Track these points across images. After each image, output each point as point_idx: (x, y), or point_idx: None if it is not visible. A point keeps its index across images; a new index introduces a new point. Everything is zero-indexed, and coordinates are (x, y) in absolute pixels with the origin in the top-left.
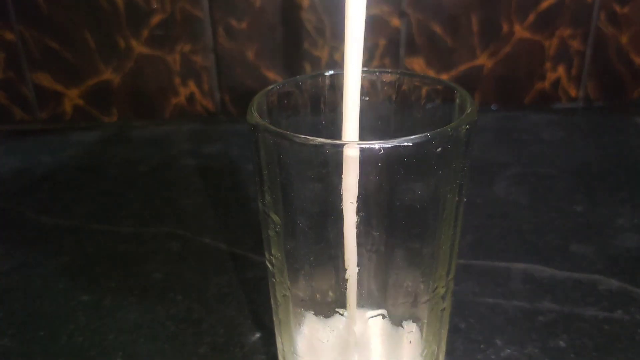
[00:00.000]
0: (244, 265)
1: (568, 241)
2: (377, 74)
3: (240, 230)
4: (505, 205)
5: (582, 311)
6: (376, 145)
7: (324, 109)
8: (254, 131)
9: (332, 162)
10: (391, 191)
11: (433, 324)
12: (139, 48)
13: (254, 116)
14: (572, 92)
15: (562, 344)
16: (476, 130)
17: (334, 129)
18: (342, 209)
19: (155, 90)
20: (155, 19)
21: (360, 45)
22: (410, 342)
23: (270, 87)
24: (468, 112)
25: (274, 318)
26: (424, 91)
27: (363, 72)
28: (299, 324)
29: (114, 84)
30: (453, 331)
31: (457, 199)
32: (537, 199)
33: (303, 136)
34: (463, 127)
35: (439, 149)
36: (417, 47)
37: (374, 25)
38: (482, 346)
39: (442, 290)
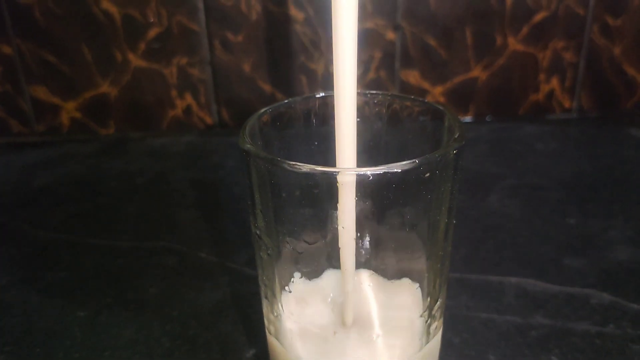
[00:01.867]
0: (240, 279)
1: (561, 254)
2: (368, 95)
3: (237, 244)
4: (499, 217)
5: (574, 326)
6: (365, 172)
7: (316, 130)
8: (246, 156)
9: (323, 188)
10: (381, 215)
11: (426, 341)
12: (136, 61)
13: (246, 141)
14: (566, 103)
15: (554, 358)
16: (469, 144)
17: (327, 150)
18: (334, 232)
19: (152, 102)
20: (152, 32)
21: (353, 72)
22: None
23: (263, 110)
24: (456, 136)
25: (267, 336)
26: (413, 113)
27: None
28: (292, 344)
29: (111, 97)
30: (447, 346)
31: (446, 221)
32: (531, 211)
33: (294, 163)
34: (451, 152)
35: (427, 174)
36: (412, 59)
37: (369, 38)
38: None
39: (435, 309)
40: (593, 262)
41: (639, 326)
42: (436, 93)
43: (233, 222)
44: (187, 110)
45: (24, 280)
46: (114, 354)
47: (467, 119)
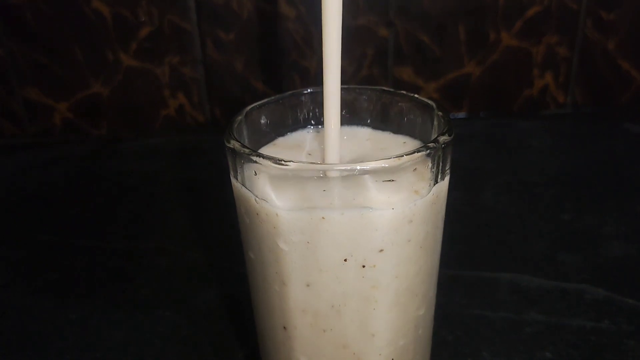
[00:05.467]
0: (232, 280)
1: (555, 250)
2: (357, 90)
3: (229, 244)
4: (492, 213)
5: (569, 321)
6: (352, 167)
7: (304, 126)
8: (232, 154)
9: (309, 183)
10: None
11: (434, 182)
12: (128, 61)
13: (232, 139)
14: (560, 99)
15: (548, 355)
16: (463, 140)
17: (313, 143)
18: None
19: (144, 102)
20: (144, 32)
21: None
22: None
23: (249, 106)
24: (444, 130)
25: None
26: (403, 107)
27: (349, 88)
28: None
29: (103, 97)
30: (440, 343)
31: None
32: (525, 207)
33: (279, 158)
34: (439, 146)
35: (415, 169)
36: (405, 56)
37: (361, 35)
38: (469, 359)
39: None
40: (587, 258)
41: (634, 322)
42: (430, 89)
43: (225, 222)
44: (180, 109)
45: (15, 282)
46: (105, 355)
47: (461, 115)
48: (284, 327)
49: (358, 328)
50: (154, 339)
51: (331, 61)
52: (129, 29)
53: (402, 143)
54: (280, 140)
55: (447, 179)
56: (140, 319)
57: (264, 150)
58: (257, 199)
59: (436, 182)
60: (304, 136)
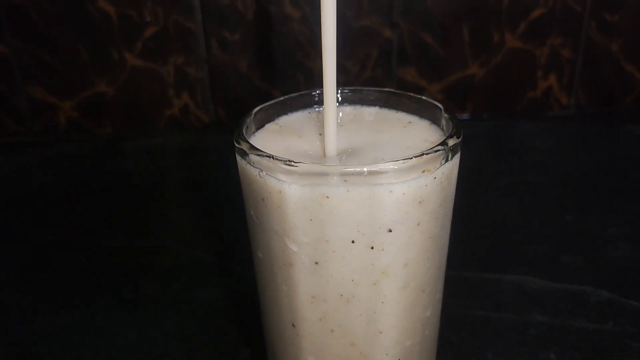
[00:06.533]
0: (236, 279)
1: (558, 251)
2: (365, 92)
3: (233, 244)
4: (496, 215)
5: (573, 323)
6: (360, 169)
7: (311, 126)
8: (242, 154)
9: (316, 180)
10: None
11: (445, 160)
12: (133, 60)
13: (241, 140)
14: (564, 100)
15: (552, 356)
16: (467, 141)
17: (319, 144)
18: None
19: (149, 102)
20: (149, 32)
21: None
22: None
23: (258, 107)
24: (453, 132)
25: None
26: (409, 110)
27: (355, 90)
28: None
29: (107, 96)
30: (444, 345)
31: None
32: (528, 208)
33: (289, 159)
34: (447, 148)
35: (423, 171)
36: (409, 57)
37: (365, 36)
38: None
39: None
40: (591, 259)
41: (637, 324)
42: (433, 91)
43: (229, 221)
44: (184, 109)
45: (19, 281)
46: (109, 355)
47: (465, 116)
48: (293, 325)
49: (366, 324)
50: (158, 338)
51: (329, 57)
52: (134, 28)
53: (407, 122)
54: (282, 120)
55: (457, 159)
56: (144, 318)
57: (266, 128)
58: (261, 173)
59: (447, 160)
60: (307, 117)
